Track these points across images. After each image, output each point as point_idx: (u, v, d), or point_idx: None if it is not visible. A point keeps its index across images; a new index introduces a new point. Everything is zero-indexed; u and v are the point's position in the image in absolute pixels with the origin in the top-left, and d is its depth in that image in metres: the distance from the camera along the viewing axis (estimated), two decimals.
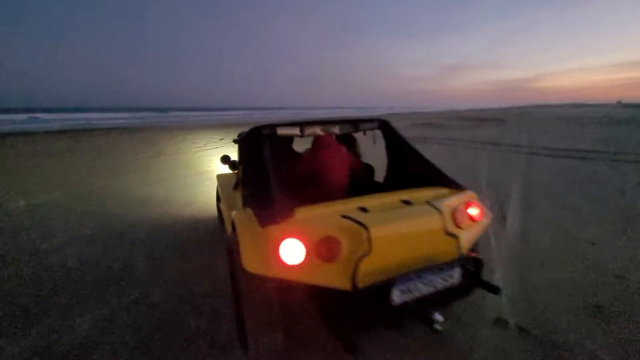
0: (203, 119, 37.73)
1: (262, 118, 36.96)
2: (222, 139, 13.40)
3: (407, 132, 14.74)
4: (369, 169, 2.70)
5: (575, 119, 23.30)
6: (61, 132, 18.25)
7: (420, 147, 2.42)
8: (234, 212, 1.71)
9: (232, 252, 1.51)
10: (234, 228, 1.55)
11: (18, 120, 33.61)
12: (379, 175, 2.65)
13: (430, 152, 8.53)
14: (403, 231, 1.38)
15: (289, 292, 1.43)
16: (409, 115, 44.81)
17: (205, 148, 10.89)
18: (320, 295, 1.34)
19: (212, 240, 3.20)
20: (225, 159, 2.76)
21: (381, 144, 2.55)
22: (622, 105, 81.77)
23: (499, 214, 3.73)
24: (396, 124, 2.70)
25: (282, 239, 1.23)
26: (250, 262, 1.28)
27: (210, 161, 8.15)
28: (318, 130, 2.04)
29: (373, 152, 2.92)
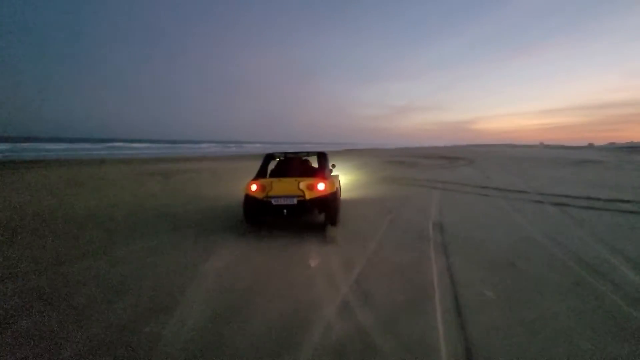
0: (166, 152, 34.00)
1: (233, 152, 35.15)
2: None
3: (391, 172, 13.21)
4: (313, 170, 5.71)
5: (534, 159, 24.22)
6: None
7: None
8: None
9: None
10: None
11: None
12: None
13: (448, 203, 6.91)
14: (282, 185, 4.57)
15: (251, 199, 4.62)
16: (372, 151, 44.97)
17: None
18: (255, 201, 4.57)
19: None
20: None
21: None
22: (544, 146, 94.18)
23: None
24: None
25: (252, 184, 4.64)
26: (245, 190, 4.71)
27: None
28: (290, 155, 5.95)
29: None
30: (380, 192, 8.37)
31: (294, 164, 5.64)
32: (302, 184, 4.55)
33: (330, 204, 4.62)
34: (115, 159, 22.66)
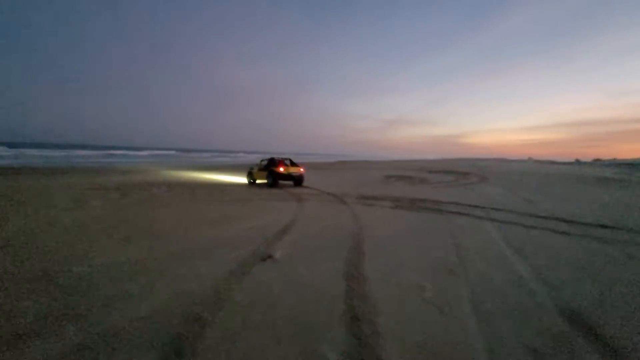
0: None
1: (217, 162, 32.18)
2: None
3: (401, 192, 10.69)
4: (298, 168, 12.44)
5: (550, 175, 22.29)
6: None
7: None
8: (255, 171, 12.94)
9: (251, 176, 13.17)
10: (252, 174, 13.04)
11: None
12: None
13: (551, 262, 4.24)
14: (292, 169, 11.98)
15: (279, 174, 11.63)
16: (366, 163, 42.76)
17: None
18: (281, 174, 11.63)
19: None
20: (249, 171, 13.40)
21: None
22: (534, 161, 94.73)
23: None
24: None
25: (280, 166, 11.77)
26: (276, 170, 11.70)
27: None
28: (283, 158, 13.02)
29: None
30: (422, 239, 5.75)
31: (285, 161, 12.47)
32: (299, 169, 12.07)
33: (303, 177, 12.18)
34: (83, 168, 19.42)
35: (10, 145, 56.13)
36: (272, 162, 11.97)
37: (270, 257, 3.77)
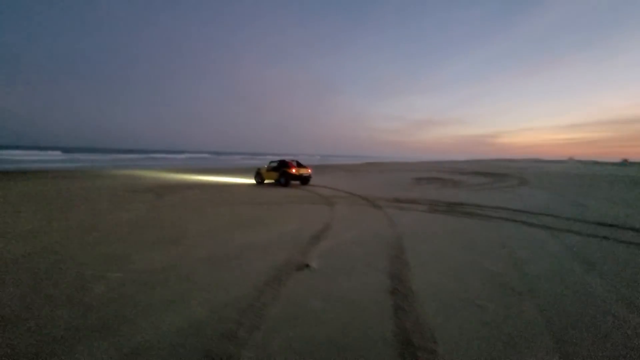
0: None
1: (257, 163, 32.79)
2: None
3: (436, 195, 10.07)
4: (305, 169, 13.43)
5: (596, 177, 20.44)
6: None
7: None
8: (263, 171, 13.80)
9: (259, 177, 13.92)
10: (261, 174, 13.84)
11: None
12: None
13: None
14: (302, 170, 12.91)
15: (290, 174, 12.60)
16: (394, 164, 41.83)
17: None
18: (293, 175, 12.58)
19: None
20: (257, 172, 14.11)
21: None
22: (574, 161, 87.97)
23: None
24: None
25: (292, 168, 12.76)
26: (288, 171, 12.68)
27: None
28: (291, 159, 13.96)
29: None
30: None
31: (294, 162, 13.26)
32: (307, 170, 13.16)
33: (310, 177, 13.24)
34: (123, 171, 20.47)
35: (65, 149, 61.28)
36: (284, 164, 13.00)
37: (307, 266, 3.50)
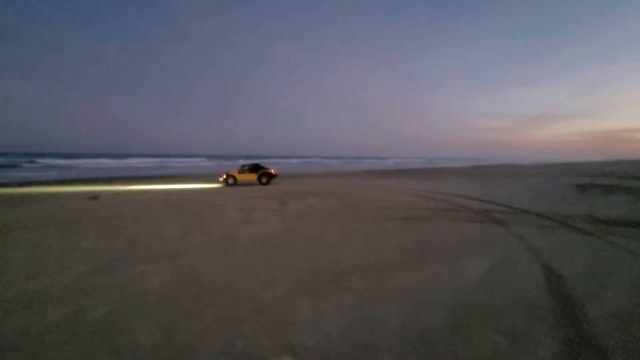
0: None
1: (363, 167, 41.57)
2: None
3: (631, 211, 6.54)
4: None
5: None
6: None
7: None
8: (234, 173, 15.76)
9: (230, 179, 15.49)
10: (232, 176, 15.54)
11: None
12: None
13: None
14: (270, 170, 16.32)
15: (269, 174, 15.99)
16: (511, 168, 34.88)
17: None
18: (270, 174, 16.00)
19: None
20: (228, 174, 15.66)
21: None
22: None
23: None
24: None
25: (272, 169, 16.24)
26: (269, 171, 15.90)
27: None
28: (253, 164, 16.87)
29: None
30: None
31: (259, 166, 15.98)
32: (272, 170, 16.05)
33: (273, 175, 15.80)
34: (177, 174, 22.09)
35: (115, 156, 66.59)
36: (261, 166, 16.10)
37: None
